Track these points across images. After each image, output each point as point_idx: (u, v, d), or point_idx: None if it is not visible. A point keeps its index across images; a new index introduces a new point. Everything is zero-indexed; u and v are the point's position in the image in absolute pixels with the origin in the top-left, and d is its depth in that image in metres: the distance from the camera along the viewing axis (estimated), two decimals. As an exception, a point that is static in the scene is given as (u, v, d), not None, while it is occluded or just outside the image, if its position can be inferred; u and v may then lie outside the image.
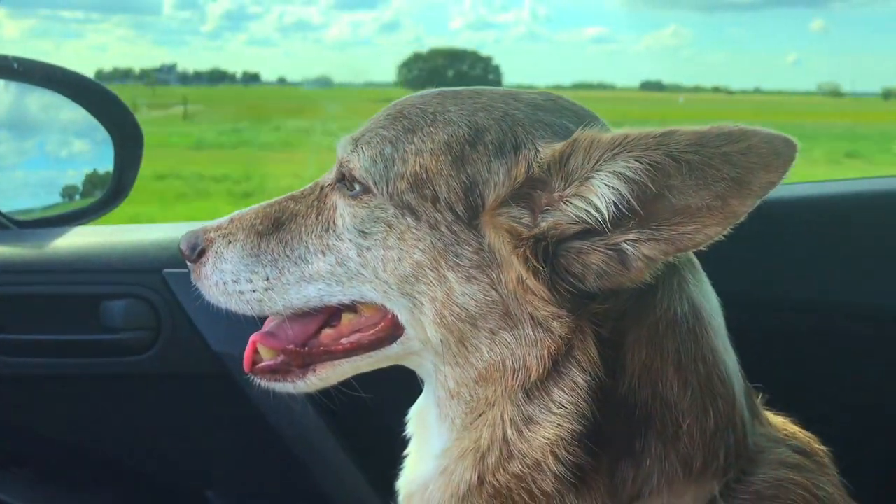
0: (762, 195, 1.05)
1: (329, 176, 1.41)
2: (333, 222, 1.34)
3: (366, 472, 2.29)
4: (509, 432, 1.20)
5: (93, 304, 2.22)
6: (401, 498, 1.39)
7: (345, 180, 1.34)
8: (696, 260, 1.28)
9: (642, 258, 1.11)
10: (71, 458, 2.45)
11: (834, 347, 2.36)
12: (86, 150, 2.83)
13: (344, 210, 1.33)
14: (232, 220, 1.44)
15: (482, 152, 1.23)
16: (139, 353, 2.22)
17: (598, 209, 1.13)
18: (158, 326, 2.21)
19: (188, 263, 1.46)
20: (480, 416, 1.24)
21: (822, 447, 1.32)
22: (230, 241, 1.41)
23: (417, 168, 1.26)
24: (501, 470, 1.20)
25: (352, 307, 1.36)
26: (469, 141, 1.24)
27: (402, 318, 1.30)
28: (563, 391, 1.17)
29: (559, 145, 1.18)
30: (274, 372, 1.41)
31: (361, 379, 1.43)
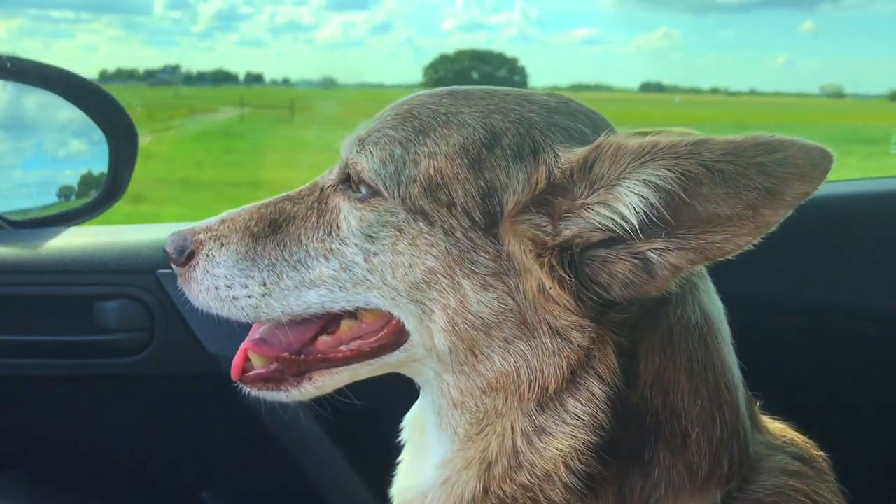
0: (795, 205, 1.02)
1: (330, 177, 1.35)
2: (337, 226, 1.28)
3: (362, 474, 2.28)
4: (519, 443, 1.16)
5: (87, 305, 2.19)
6: None
7: (350, 182, 1.28)
8: (703, 267, 1.24)
9: (668, 267, 1.08)
10: (65, 459, 2.43)
11: (834, 348, 2.35)
12: (82, 150, 2.81)
13: (349, 213, 1.27)
14: (223, 222, 1.37)
15: (500, 156, 1.19)
16: (133, 353, 2.20)
17: (625, 217, 1.09)
18: (152, 327, 2.19)
19: (174, 267, 1.38)
20: (487, 426, 1.21)
21: (821, 453, 1.30)
22: (223, 244, 1.34)
23: (431, 171, 1.20)
24: (508, 480, 1.17)
25: (353, 313, 1.30)
26: (486, 144, 1.20)
27: (410, 325, 1.25)
28: (580, 402, 1.13)
29: (582, 151, 1.14)
30: (266, 380, 1.34)
31: (358, 381, 1.38)
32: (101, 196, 2.58)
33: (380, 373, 1.35)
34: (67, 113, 2.60)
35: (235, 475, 2.47)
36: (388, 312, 1.27)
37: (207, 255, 1.34)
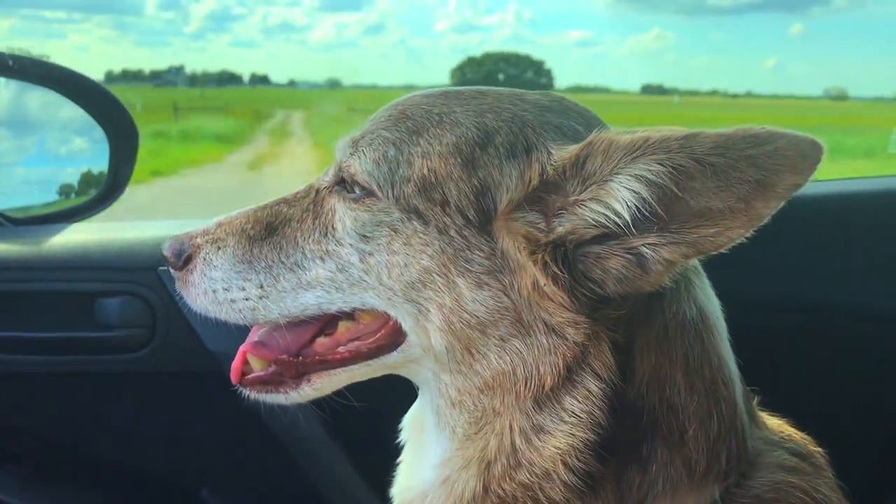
0: (786, 197, 1.01)
1: (325, 178, 1.34)
2: (332, 227, 1.28)
3: (362, 473, 2.27)
4: (518, 441, 1.16)
5: (88, 302, 2.18)
6: None
7: (344, 183, 1.28)
8: (697, 262, 1.24)
9: (662, 262, 1.08)
10: (66, 456, 2.42)
11: (833, 347, 2.34)
12: (84, 148, 2.81)
13: (344, 214, 1.26)
14: (220, 225, 1.36)
15: (493, 155, 1.18)
16: (134, 350, 2.19)
17: (617, 213, 1.08)
18: (154, 324, 2.18)
19: (172, 271, 1.37)
20: (486, 425, 1.20)
21: (818, 448, 1.29)
22: (220, 248, 1.33)
23: (425, 171, 1.20)
24: (508, 479, 1.16)
25: (350, 314, 1.29)
26: (479, 143, 1.19)
27: (406, 325, 1.24)
28: (577, 399, 1.13)
29: (574, 148, 1.14)
30: (265, 383, 1.34)
31: (357, 382, 1.37)
32: (101, 194, 2.58)
33: (378, 374, 1.34)
34: (70, 111, 2.60)
35: (235, 473, 2.46)
36: (385, 313, 1.26)
37: (204, 259, 1.33)
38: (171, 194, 14.18)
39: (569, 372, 1.13)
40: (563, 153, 1.15)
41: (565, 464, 1.12)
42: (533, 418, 1.15)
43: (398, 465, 1.41)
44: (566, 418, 1.13)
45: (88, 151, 2.75)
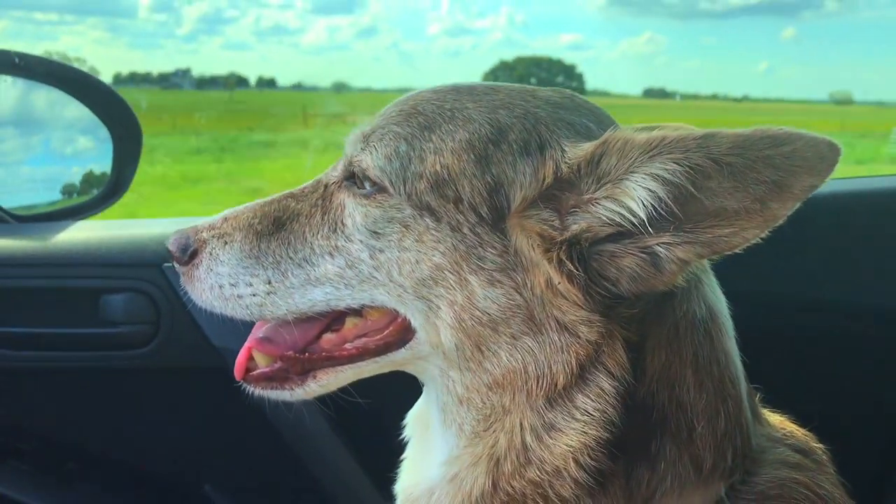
0: (802, 198, 1.00)
1: (334, 173, 1.32)
2: (342, 222, 1.26)
3: (366, 470, 2.26)
4: (528, 439, 1.15)
5: (93, 298, 2.18)
6: (400, 502, 1.34)
7: (354, 178, 1.25)
8: (707, 261, 1.23)
9: (676, 261, 1.07)
10: (70, 451, 2.42)
11: (834, 347, 2.33)
12: (90, 147, 2.81)
13: (354, 210, 1.24)
14: (226, 220, 1.33)
15: (506, 152, 1.17)
16: (139, 346, 2.19)
17: (633, 212, 1.07)
18: (158, 320, 2.18)
19: (177, 266, 1.35)
20: (495, 422, 1.19)
21: (820, 445, 1.29)
22: (226, 242, 1.30)
23: (438, 167, 1.18)
24: (517, 476, 1.15)
25: (358, 311, 1.27)
26: (492, 140, 1.18)
27: (416, 322, 1.22)
28: (589, 398, 1.12)
29: (589, 146, 1.12)
30: (270, 379, 1.31)
31: (362, 378, 1.35)
32: (104, 192, 2.57)
33: (385, 370, 1.32)
34: (75, 110, 2.60)
35: (238, 469, 2.45)
36: (394, 310, 1.24)
37: (211, 254, 1.31)
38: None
39: (581, 370, 1.12)
40: (578, 151, 1.13)
41: (576, 461, 1.11)
42: (544, 416, 1.14)
43: (402, 461, 1.40)
44: (578, 416, 1.12)
45: (94, 151, 2.75)
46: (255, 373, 1.33)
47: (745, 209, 1.02)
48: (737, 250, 1.05)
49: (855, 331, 2.34)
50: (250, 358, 1.34)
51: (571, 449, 1.12)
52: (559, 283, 1.11)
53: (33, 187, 2.84)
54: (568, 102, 1.24)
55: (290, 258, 1.28)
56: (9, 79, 2.64)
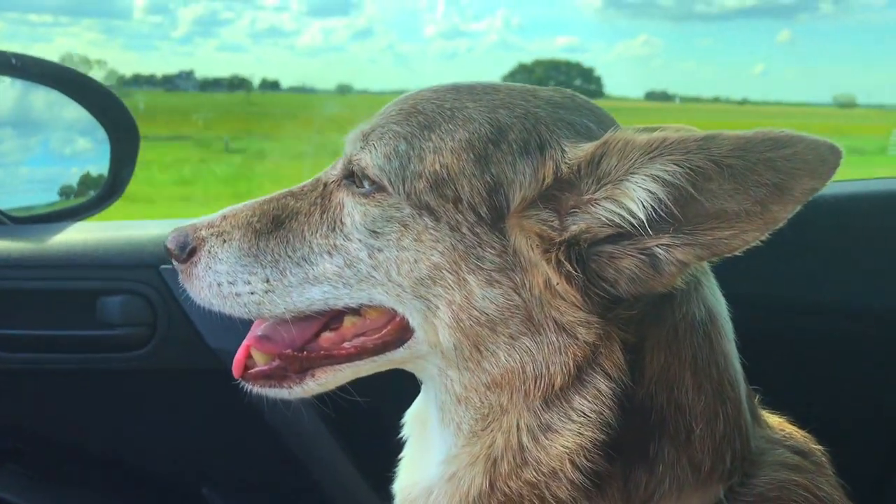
0: (803, 201, 1.00)
1: (333, 172, 1.32)
2: (341, 221, 1.25)
3: (363, 471, 2.26)
4: (525, 440, 1.14)
5: (90, 300, 2.17)
6: (398, 502, 1.34)
7: (353, 177, 1.25)
8: (706, 263, 1.23)
9: (675, 263, 1.06)
10: (67, 454, 2.41)
11: (834, 349, 2.33)
12: (88, 148, 2.81)
13: (353, 209, 1.24)
14: (224, 218, 1.33)
15: (506, 152, 1.16)
16: (136, 348, 2.18)
17: (632, 213, 1.07)
18: (155, 322, 2.17)
19: (175, 264, 1.34)
20: (493, 422, 1.18)
21: (819, 447, 1.28)
22: (225, 240, 1.30)
23: (437, 167, 1.18)
24: (514, 477, 1.15)
25: (356, 310, 1.27)
26: (492, 139, 1.17)
27: (414, 321, 1.22)
28: (586, 399, 1.11)
29: (589, 146, 1.12)
30: (268, 377, 1.31)
31: (360, 377, 1.35)
32: (101, 194, 2.57)
33: (383, 369, 1.32)
34: (74, 111, 2.60)
35: (237, 471, 2.44)
36: (392, 309, 1.24)
37: (209, 252, 1.30)
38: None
39: (579, 371, 1.12)
40: (578, 151, 1.13)
41: (573, 463, 1.11)
42: (541, 417, 1.14)
43: (400, 461, 1.39)
44: (575, 417, 1.12)
45: (92, 152, 2.75)
46: (253, 371, 1.33)
47: (746, 211, 1.02)
48: (737, 252, 1.05)
49: (855, 333, 2.33)
50: (249, 356, 1.34)
51: (567, 450, 1.11)
52: (557, 283, 1.11)
53: (31, 188, 2.83)
54: (568, 102, 1.24)
55: (289, 257, 1.28)
56: (6, 80, 2.64)
